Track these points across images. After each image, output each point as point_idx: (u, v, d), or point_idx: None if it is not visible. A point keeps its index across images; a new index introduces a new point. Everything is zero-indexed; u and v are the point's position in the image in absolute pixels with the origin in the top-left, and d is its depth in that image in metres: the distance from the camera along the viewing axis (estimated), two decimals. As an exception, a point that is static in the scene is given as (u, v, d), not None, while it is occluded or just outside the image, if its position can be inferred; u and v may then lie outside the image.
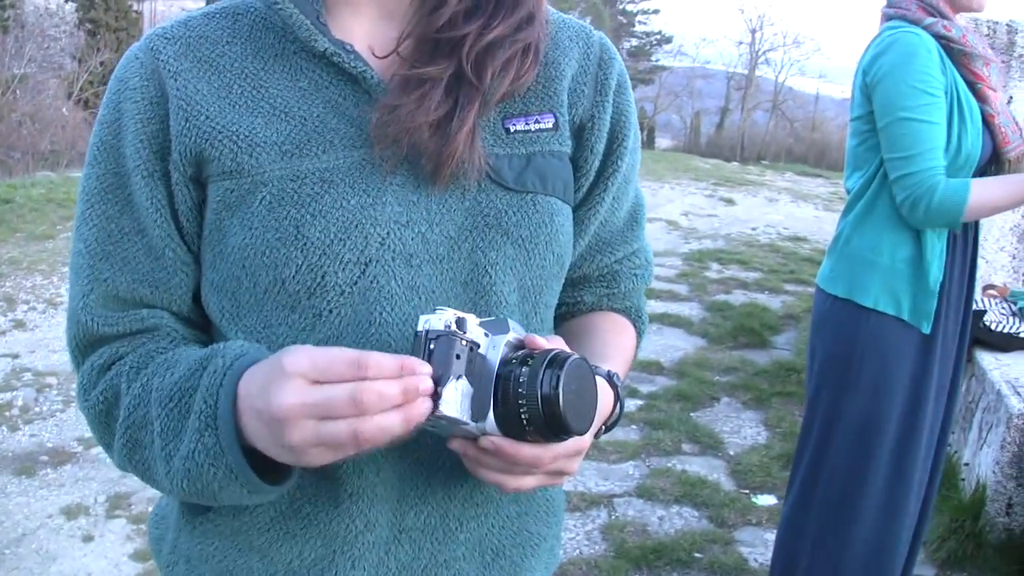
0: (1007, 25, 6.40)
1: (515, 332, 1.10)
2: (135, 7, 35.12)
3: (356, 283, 1.20)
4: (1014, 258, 6.47)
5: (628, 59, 59.55)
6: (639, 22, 61.86)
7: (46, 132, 23.90)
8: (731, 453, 5.52)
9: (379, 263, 1.20)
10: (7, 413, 5.78)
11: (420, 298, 1.21)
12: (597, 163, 1.38)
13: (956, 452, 4.89)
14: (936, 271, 3.00)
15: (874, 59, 2.99)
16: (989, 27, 6.36)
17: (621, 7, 60.43)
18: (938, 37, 2.96)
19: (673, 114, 59.04)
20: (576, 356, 1.08)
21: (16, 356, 6.78)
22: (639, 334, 1.56)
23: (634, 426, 5.77)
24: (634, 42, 61.53)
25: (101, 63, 29.67)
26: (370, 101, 1.23)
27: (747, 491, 5.07)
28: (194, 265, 1.30)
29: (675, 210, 14.86)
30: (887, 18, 3.09)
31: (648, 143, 48.30)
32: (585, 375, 1.10)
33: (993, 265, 6.46)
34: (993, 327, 4.99)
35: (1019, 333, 4.96)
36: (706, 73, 61.31)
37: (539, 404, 1.04)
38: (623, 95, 1.40)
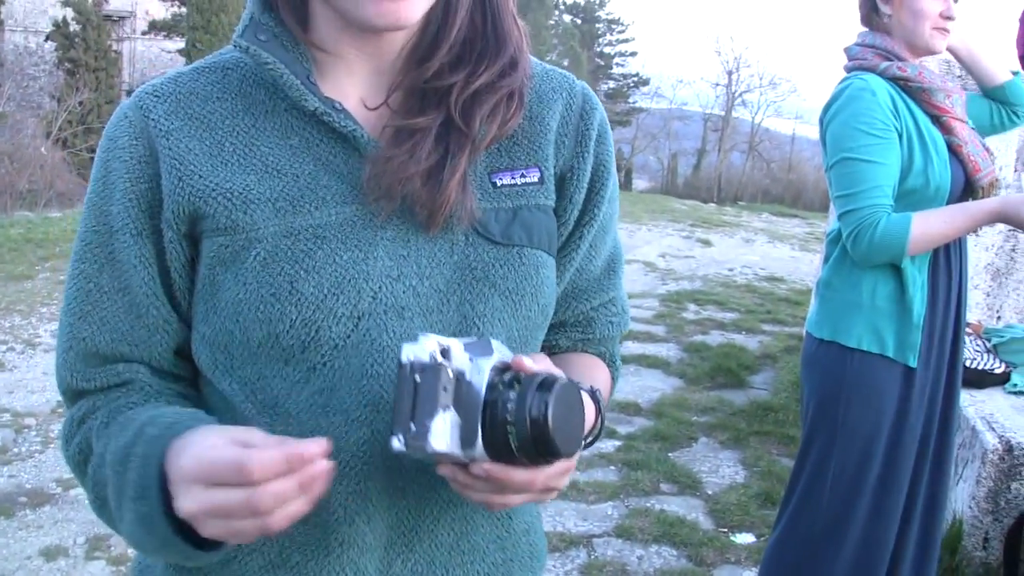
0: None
1: (499, 354, 1.10)
2: (114, 47, 35.20)
3: (349, 336, 1.21)
4: (987, 295, 6.52)
5: (605, 101, 59.82)
6: (616, 64, 62.15)
7: (24, 171, 23.90)
8: (709, 492, 5.52)
9: (372, 317, 1.21)
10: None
11: None
12: (576, 212, 1.39)
13: (932, 489, 4.90)
14: (919, 305, 3.05)
15: (825, 109, 3.11)
16: (961, 68, 6.43)
17: (599, 49, 60.72)
18: (895, 79, 3.06)
19: (650, 155, 59.25)
20: (564, 379, 1.07)
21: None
22: (613, 379, 1.57)
23: (612, 467, 5.77)
24: (611, 84, 61.80)
25: (80, 103, 29.74)
26: (360, 158, 1.25)
27: (726, 530, 5.06)
28: (177, 323, 1.31)
29: (652, 252, 14.94)
30: (847, 71, 3.20)
31: (625, 184, 48.43)
32: (573, 398, 1.08)
33: (967, 303, 6.51)
34: (968, 364, 5.02)
35: (993, 369, 5.00)
36: (683, 115, 61.62)
37: (528, 428, 1.03)
38: (603, 144, 1.41)
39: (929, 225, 2.94)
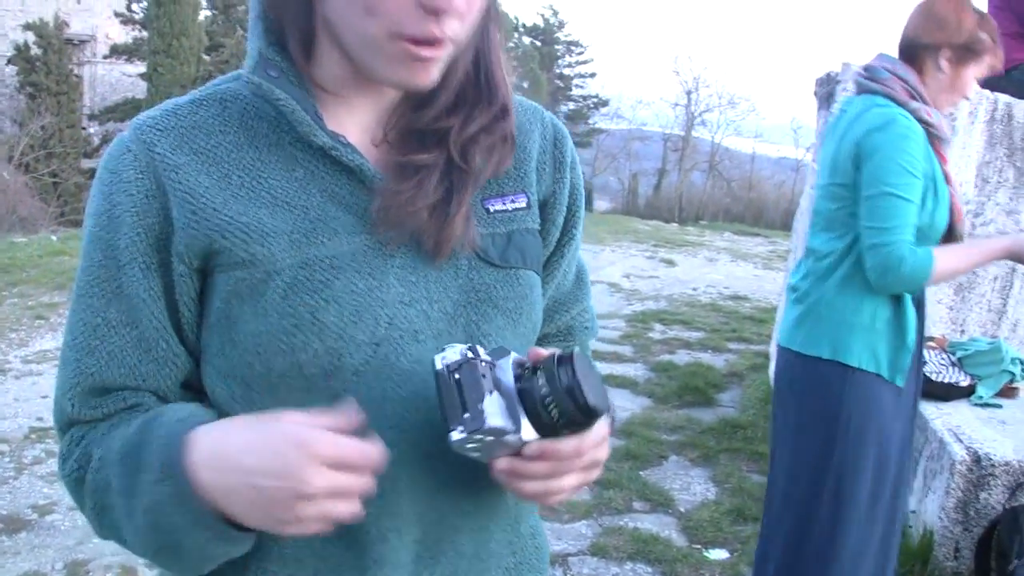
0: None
1: (515, 353, 1.21)
2: (76, 71, 35.00)
3: (369, 362, 1.25)
4: (951, 310, 6.60)
5: (566, 122, 59.61)
6: (576, 86, 62.22)
7: (-13, 197, 23.74)
8: (682, 510, 5.57)
9: (389, 342, 1.26)
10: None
11: (427, 372, 1.24)
12: (557, 234, 1.49)
13: (902, 502, 4.97)
14: (912, 329, 3.22)
15: (869, 133, 3.15)
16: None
17: (558, 71, 60.81)
18: (921, 122, 3.17)
19: (611, 176, 59.28)
20: (575, 349, 1.18)
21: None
22: None
23: (585, 486, 5.78)
24: (571, 105, 61.83)
25: (42, 127, 29.55)
26: (365, 190, 1.29)
27: (699, 546, 5.11)
28: (186, 356, 1.32)
29: (617, 272, 14.97)
30: (867, 90, 3.29)
31: (587, 205, 48.54)
32: (588, 362, 1.19)
33: (931, 318, 6.58)
34: (934, 377, 5.09)
35: (959, 383, 5.07)
36: (643, 135, 61.71)
37: (566, 398, 1.14)
38: (576, 170, 1.52)
39: (949, 262, 3.10)
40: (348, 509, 1.11)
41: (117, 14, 44.37)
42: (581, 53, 61.66)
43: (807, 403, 3.35)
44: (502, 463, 1.20)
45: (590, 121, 61.78)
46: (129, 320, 1.28)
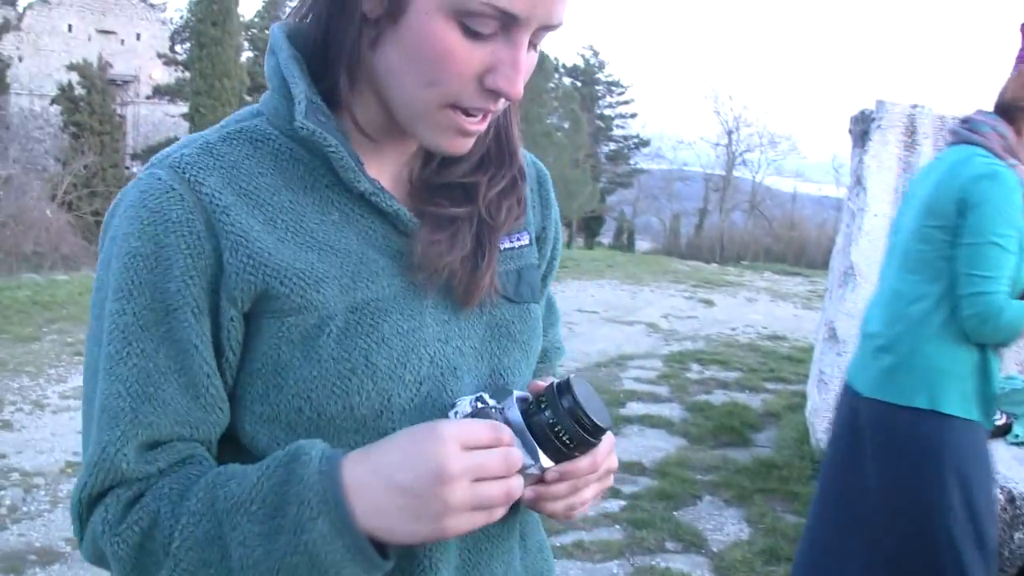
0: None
1: (516, 391, 1.30)
2: (119, 111, 35.47)
3: (414, 400, 1.29)
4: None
5: (607, 163, 60.07)
6: (617, 126, 62.51)
7: (30, 234, 24.04)
8: (714, 550, 5.52)
9: (431, 379, 1.31)
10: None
11: None
12: (546, 266, 1.59)
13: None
14: (996, 374, 3.30)
15: (976, 180, 3.22)
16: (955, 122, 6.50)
17: (599, 112, 61.10)
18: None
19: (652, 216, 59.38)
20: (572, 374, 1.28)
21: (3, 456, 6.80)
22: None
23: (617, 525, 5.76)
24: (612, 146, 62.12)
25: (85, 166, 29.94)
26: (398, 233, 1.33)
27: (731, 587, 5.06)
28: (227, 402, 1.29)
29: (655, 313, 14.93)
30: (966, 140, 3.39)
31: (628, 246, 48.51)
32: (585, 383, 1.28)
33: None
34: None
35: (995, 421, 5.01)
36: (684, 175, 61.87)
37: (571, 422, 1.23)
38: (556, 208, 1.62)
39: None
40: (499, 491, 1.16)
41: (160, 55, 45.00)
42: (622, 93, 61.99)
43: (906, 455, 3.35)
44: (528, 492, 1.28)
45: (631, 161, 61.95)
46: (179, 366, 1.24)
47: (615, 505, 6.07)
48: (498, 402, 1.27)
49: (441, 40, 1.19)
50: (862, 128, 6.77)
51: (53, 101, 34.17)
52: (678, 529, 5.75)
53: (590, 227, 53.68)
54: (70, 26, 51.09)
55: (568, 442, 1.24)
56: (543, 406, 1.25)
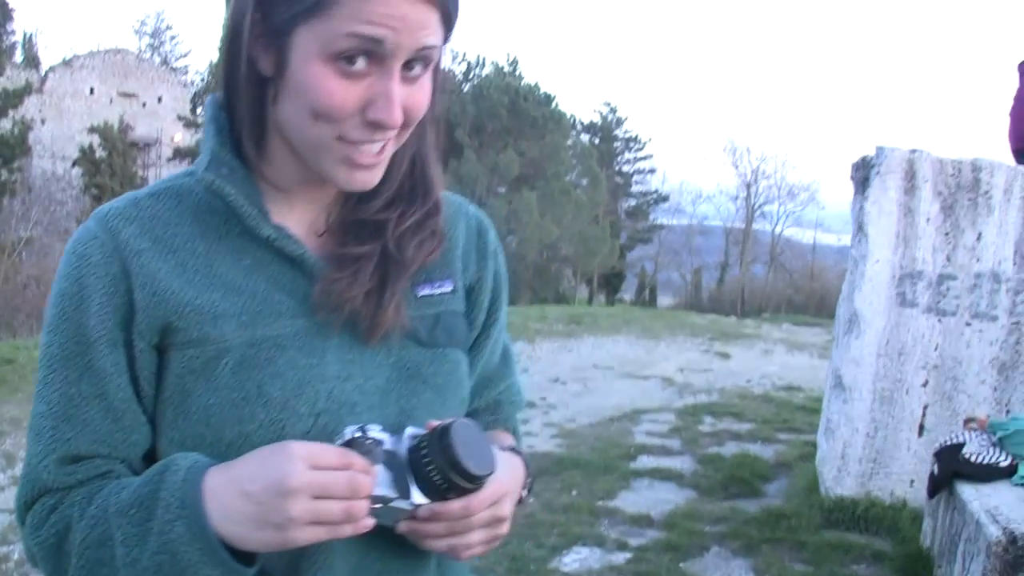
0: (971, 164, 6.53)
1: (413, 428, 1.36)
2: (140, 173, 35.77)
3: (309, 432, 1.36)
4: (995, 390, 6.49)
5: (626, 219, 60.22)
6: (636, 182, 62.68)
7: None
8: (721, 602, 5.45)
9: (328, 413, 1.38)
10: (4, 566, 5.79)
11: None
12: (483, 316, 1.64)
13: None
14: None
15: None
16: (954, 166, 6.49)
17: (617, 168, 61.30)
18: None
19: (674, 271, 59.42)
20: (458, 419, 1.32)
21: (14, 512, 6.75)
22: (518, 444, 1.77)
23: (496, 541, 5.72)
24: (632, 202, 62.25)
25: (106, 228, 30.27)
26: (305, 275, 1.43)
27: (736, 638, 4.99)
28: (148, 427, 1.41)
29: (671, 367, 14.89)
30: None
31: (650, 302, 48.47)
32: (471, 430, 1.32)
33: (975, 399, 6.49)
34: (973, 459, 5.00)
35: (999, 463, 4.97)
36: (704, 229, 61.93)
37: (446, 465, 1.28)
38: (498, 258, 1.68)
39: None
40: (339, 509, 1.23)
41: (180, 118, 45.44)
42: (640, 149, 62.18)
43: None
44: (402, 526, 1.35)
45: (651, 217, 62.03)
46: (99, 392, 1.37)
47: (620, 558, 6.02)
48: (392, 436, 1.33)
49: (321, 82, 1.30)
50: (863, 175, 6.76)
51: (75, 163, 34.53)
52: (684, 581, 5.67)
53: (611, 284, 53.75)
54: (92, 89, 51.93)
55: (441, 483, 1.30)
56: (423, 446, 1.30)
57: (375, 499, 1.27)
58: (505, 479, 1.43)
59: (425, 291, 1.52)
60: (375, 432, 1.31)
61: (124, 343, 1.37)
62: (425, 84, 1.37)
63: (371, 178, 1.39)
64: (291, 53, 1.31)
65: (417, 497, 1.31)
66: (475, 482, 1.31)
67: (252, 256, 1.41)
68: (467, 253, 1.61)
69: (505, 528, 1.45)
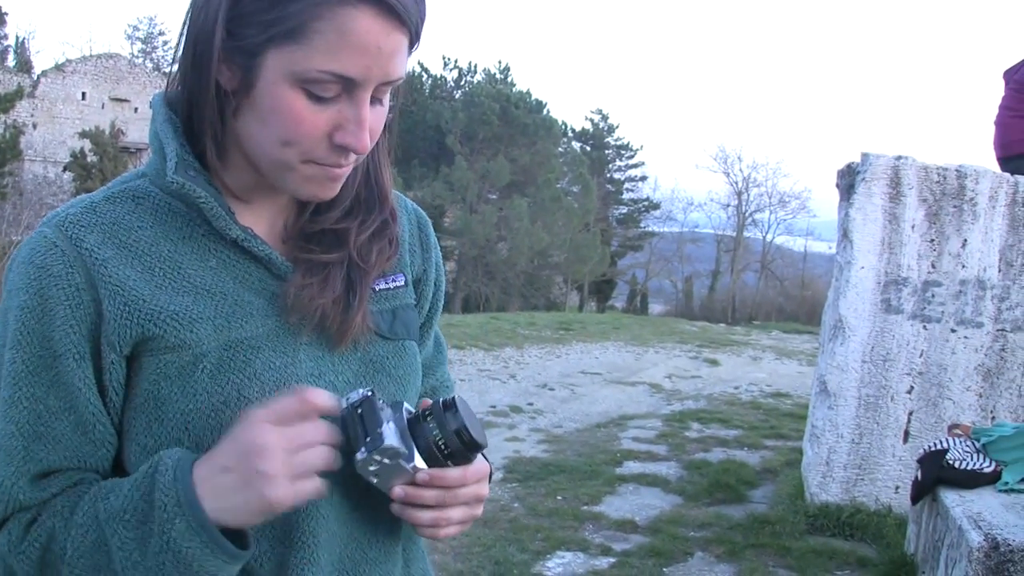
0: (956, 170, 6.53)
1: (407, 404, 1.43)
2: (132, 178, 35.90)
3: None
4: (980, 396, 6.49)
5: (617, 227, 60.27)
6: (627, 190, 62.69)
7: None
8: (704, 606, 5.43)
9: None
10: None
11: None
12: (428, 307, 1.71)
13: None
14: None
15: None
16: (939, 173, 6.49)
17: (609, 175, 61.33)
18: None
19: (665, 279, 59.43)
20: (455, 395, 1.41)
21: None
22: None
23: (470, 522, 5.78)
24: (623, 209, 62.27)
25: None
26: (273, 277, 1.46)
27: (717, 644, 4.98)
28: (116, 437, 1.41)
29: (659, 373, 14.90)
30: None
31: (641, 309, 48.50)
32: (468, 405, 1.40)
33: (960, 405, 6.48)
34: (957, 465, 4.99)
35: (982, 469, 4.96)
36: (695, 236, 61.96)
37: (455, 438, 1.36)
38: (437, 250, 1.73)
39: None
40: (318, 456, 1.28)
41: (173, 123, 45.39)
42: (631, 157, 62.22)
43: None
44: (398, 490, 1.38)
45: (642, 225, 62.04)
46: (68, 406, 1.36)
47: (604, 563, 6.00)
48: (389, 406, 1.39)
49: (289, 107, 1.32)
50: (848, 181, 6.75)
51: (66, 168, 34.51)
52: (667, 586, 5.66)
53: (602, 291, 53.80)
54: (84, 94, 52.06)
55: (444, 449, 1.36)
56: (428, 417, 1.37)
57: (385, 450, 1.33)
58: (483, 462, 1.48)
59: (381, 285, 1.56)
60: (380, 400, 1.37)
61: (91, 355, 1.36)
62: (387, 101, 1.42)
63: (333, 191, 1.44)
64: (259, 73, 1.32)
65: (418, 460, 1.36)
66: (474, 451, 1.39)
67: (217, 257, 1.43)
68: (412, 247, 1.66)
69: (480, 510, 1.49)
